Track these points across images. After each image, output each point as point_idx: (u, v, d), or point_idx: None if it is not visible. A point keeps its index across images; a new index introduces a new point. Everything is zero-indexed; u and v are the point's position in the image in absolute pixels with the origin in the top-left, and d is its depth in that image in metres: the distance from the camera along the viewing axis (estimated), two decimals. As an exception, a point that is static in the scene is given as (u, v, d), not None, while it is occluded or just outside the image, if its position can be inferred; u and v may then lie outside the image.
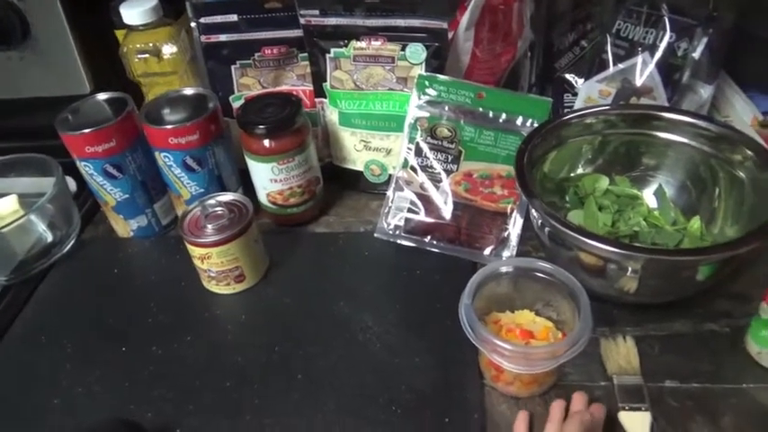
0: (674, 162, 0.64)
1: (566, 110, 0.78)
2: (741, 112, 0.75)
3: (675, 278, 0.55)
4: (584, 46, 0.78)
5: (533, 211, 0.57)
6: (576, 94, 0.77)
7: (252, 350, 0.58)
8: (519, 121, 0.64)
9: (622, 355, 0.54)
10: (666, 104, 0.71)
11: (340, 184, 0.78)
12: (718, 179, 0.61)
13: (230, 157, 0.71)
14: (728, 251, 0.49)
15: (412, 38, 0.66)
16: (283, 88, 0.75)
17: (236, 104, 0.74)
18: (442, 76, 0.66)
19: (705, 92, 0.73)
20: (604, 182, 0.68)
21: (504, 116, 0.65)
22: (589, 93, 0.74)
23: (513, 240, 0.64)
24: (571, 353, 0.47)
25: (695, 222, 0.63)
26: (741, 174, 0.58)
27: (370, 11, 0.65)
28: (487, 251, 0.64)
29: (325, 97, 0.72)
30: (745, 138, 0.59)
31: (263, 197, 0.71)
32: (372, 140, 0.72)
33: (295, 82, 0.75)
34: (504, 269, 0.52)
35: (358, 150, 0.74)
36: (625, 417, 0.49)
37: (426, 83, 0.66)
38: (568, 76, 0.78)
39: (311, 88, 0.74)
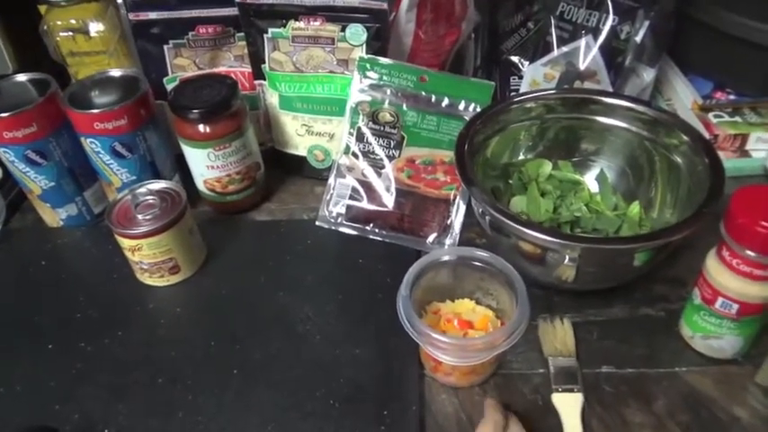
0: (613, 147, 0.64)
1: (512, 93, 0.77)
2: (682, 96, 0.76)
3: (613, 265, 0.55)
4: (530, 27, 0.76)
5: (473, 198, 0.56)
6: (522, 77, 0.76)
7: (186, 345, 0.55)
8: (462, 105, 0.63)
9: (559, 337, 0.54)
10: (610, 88, 0.71)
11: (283, 169, 0.75)
12: (655, 164, 0.61)
13: (164, 142, 0.67)
14: (662, 239, 0.49)
15: (352, 18, 0.63)
16: (221, 69, 0.71)
17: (170, 86, 0.70)
18: (383, 59, 0.64)
19: (648, 75, 0.73)
20: (547, 167, 0.68)
21: (446, 100, 0.63)
22: (534, 76, 0.73)
23: (457, 227, 0.63)
24: (508, 343, 0.47)
25: (634, 207, 0.63)
26: (677, 158, 0.59)
27: (309, -11, 0.63)
28: (431, 239, 0.63)
29: (265, 79, 0.70)
30: (680, 122, 0.59)
31: (200, 184, 0.68)
32: (314, 125, 0.70)
33: (233, 63, 0.72)
34: (441, 259, 0.52)
35: (300, 135, 0.71)
36: (557, 398, 0.49)
37: (367, 65, 0.64)
38: (515, 59, 0.77)
39: (250, 69, 0.71)
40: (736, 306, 0.48)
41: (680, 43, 0.74)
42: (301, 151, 0.72)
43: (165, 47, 0.69)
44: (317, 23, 0.64)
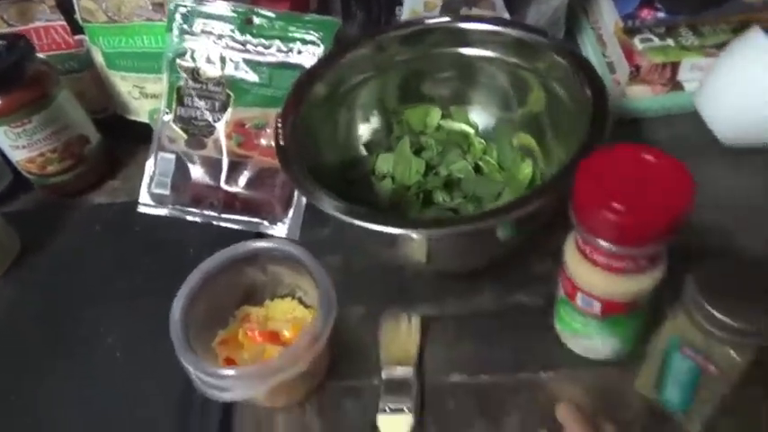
0: (482, 85, 0.52)
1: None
2: (606, 17, 0.62)
3: (471, 243, 0.43)
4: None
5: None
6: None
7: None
8: (297, 50, 0.51)
9: (401, 341, 0.44)
10: (506, 14, 0.57)
11: (132, 138, 0.64)
12: (531, 97, 0.49)
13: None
14: (507, 213, 0.38)
15: (154, -52, 0.51)
16: (36, 25, 0.60)
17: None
18: (200, -1, 0.51)
19: (558, -7, 0.59)
20: (435, 116, 0.55)
21: (279, 46, 0.51)
22: (413, 5, 0.60)
23: (303, 200, 0.52)
24: (290, 369, 0.37)
25: (525, 168, 0.51)
26: (557, 89, 0.46)
27: None
28: (270, 218, 0.52)
29: (85, 33, 0.58)
30: (553, 42, 0.46)
31: (18, 165, 0.58)
32: (146, 85, 0.59)
33: (50, 16, 0.60)
34: (228, 258, 0.41)
35: (136, 98, 0.60)
36: (383, 420, 0.40)
37: (181, 8, 0.52)
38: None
39: (69, 23, 0.59)
40: (597, 304, 0.37)
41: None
42: (143, 117, 0.61)
43: (-43, 2, 0.58)
44: (117, -41, 0.52)
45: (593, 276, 0.35)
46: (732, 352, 0.31)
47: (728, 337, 0.30)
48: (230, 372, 0.36)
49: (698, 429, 0.37)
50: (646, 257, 0.34)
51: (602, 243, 0.33)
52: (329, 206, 0.39)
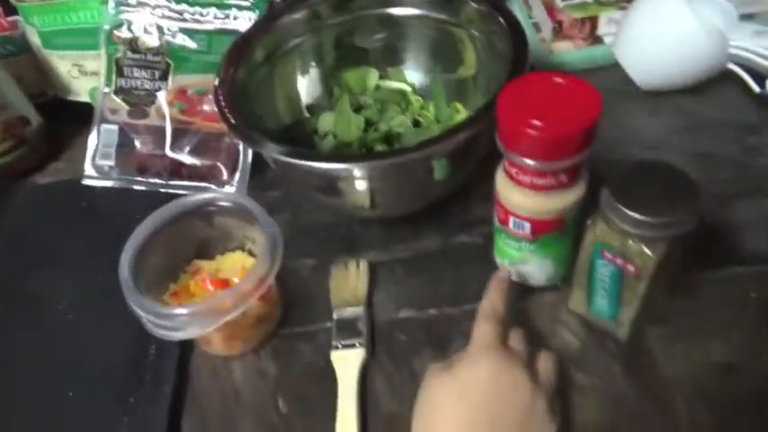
0: (413, 42, 0.54)
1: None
2: (531, -19, 0.65)
3: (409, 183, 0.45)
4: None
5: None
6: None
7: None
8: (233, 16, 0.52)
9: (350, 285, 0.45)
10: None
11: (74, 120, 0.64)
12: (462, 52, 0.52)
13: None
14: (442, 142, 0.40)
15: None
16: (-33, 8, 0.59)
17: None
18: (133, -30, 0.52)
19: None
20: (374, 77, 0.57)
21: (215, 12, 0.52)
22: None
23: (249, 161, 0.53)
24: (240, 305, 0.38)
25: (458, 118, 0.54)
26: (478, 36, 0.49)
27: None
28: (217, 182, 0.53)
29: (18, 14, 0.58)
30: None
31: (-44, 149, 0.57)
32: (85, 63, 0.59)
33: (-19, -2, 0.59)
34: (175, 210, 0.42)
35: (75, 77, 0.60)
36: (336, 356, 0.42)
37: (116, -20, 0.53)
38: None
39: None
40: (527, 225, 0.39)
41: None
42: (84, 97, 0.61)
43: None
44: (46, -67, 0.52)
45: (521, 197, 0.38)
46: (645, 248, 0.34)
47: (640, 233, 0.33)
48: (181, 310, 0.37)
49: (626, 334, 0.40)
50: (566, 172, 0.36)
51: (527, 161, 0.36)
52: (273, 150, 0.41)
